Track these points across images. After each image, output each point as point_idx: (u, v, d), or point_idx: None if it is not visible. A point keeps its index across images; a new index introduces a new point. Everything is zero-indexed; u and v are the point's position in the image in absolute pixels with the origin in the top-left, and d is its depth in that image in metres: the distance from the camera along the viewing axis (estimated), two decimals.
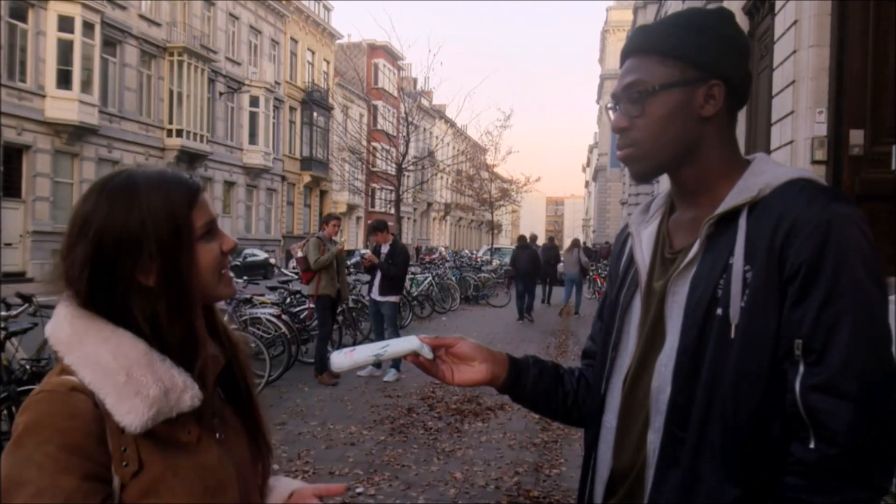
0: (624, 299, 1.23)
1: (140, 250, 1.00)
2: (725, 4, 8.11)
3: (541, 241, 21.26)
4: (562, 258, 17.67)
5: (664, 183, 1.22)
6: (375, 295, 8.55)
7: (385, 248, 8.58)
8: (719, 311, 1.04)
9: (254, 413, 1.21)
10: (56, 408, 0.95)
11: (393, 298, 8.56)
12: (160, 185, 1.04)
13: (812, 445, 0.97)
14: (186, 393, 1.01)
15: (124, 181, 1.04)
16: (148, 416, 0.96)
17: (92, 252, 1.00)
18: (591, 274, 19.96)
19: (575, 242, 17.34)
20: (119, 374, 0.97)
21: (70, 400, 0.96)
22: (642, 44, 1.15)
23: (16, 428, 0.96)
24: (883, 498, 0.99)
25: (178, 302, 1.03)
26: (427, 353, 1.23)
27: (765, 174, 1.09)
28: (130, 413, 0.95)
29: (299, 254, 8.28)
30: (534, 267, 15.48)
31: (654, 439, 1.10)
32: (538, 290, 16.95)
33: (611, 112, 1.19)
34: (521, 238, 16.39)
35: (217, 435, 1.10)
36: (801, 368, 0.98)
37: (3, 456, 0.94)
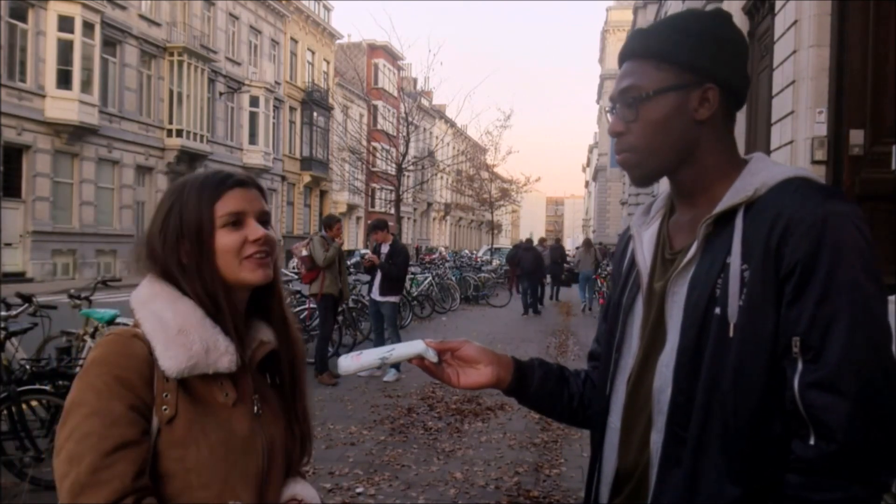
0: (626, 301, 1.24)
1: (177, 235, 1.21)
2: (725, 5, 8.12)
3: (538, 241, 22.06)
4: (577, 257, 18.44)
5: (664, 183, 1.22)
6: (375, 295, 8.54)
7: (385, 248, 8.58)
8: (718, 310, 1.04)
9: (297, 402, 1.33)
10: (118, 347, 1.15)
11: (393, 298, 8.56)
12: (200, 181, 1.24)
13: (812, 443, 0.97)
14: (226, 356, 1.17)
15: (180, 181, 1.27)
16: (186, 365, 1.13)
17: (149, 236, 1.24)
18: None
19: (588, 242, 18.39)
20: (173, 328, 1.15)
21: (130, 343, 1.15)
22: (638, 48, 1.16)
23: (86, 362, 1.15)
24: (884, 494, 0.99)
25: (207, 279, 1.20)
26: (432, 357, 1.24)
27: (761, 173, 1.10)
28: (172, 359, 1.13)
29: (304, 252, 8.28)
30: (537, 267, 16.73)
31: (656, 439, 1.11)
32: (548, 288, 18.52)
33: (609, 115, 1.21)
34: (528, 241, 18.36)
35: (255, 409, 1.23)
36: (800, 366, 0.98)
37: (74, 381, 1.14)
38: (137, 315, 1.19)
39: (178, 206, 1.22)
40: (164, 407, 1.13)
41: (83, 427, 1.07)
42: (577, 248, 19.65)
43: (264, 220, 1.26)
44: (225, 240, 1.21)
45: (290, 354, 1.33)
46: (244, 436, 1.19)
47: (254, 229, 1.22)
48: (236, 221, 1.22)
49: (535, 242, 20.49)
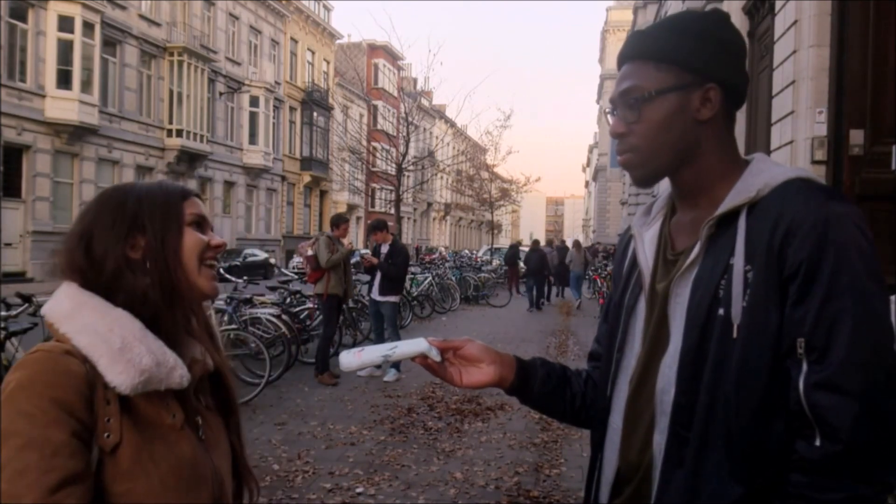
0: (628, 301, 1.24)
1: (132, 226, 1.10)
2: (724, 5, 8.12)
3: (546, 242, 23.16)
4: (569, 257, 19.62)
5: (665, 183, 1.22)
6: (375, 295, 8.55)
7: (385, 248, 8.59)
8: (721, 311, 1.05)
9: (237, 428, 1.25)
10: (50, 365, 0.98)
11: (393, 298, 8.56)
12: (157, 182, 1.19)
13: (817, 443, 0.97)
14: (176, 370, 1.05)
15: (121, 185, 1.18)
16: (139, 379, 1.00)
17: (86, 231, 1.11)
18: (590, 273, 21.45)
19: (578, 243, 19.84)
20: (114, 341, 1.01)
21: (63, 360, 0.99)
22: (638, 49, 1.16)
23: (7, 385, 0.98)
24: (889, 494, 1.00)
25: (163, 275, 1.09)
26: (435, 356, 1.23)
27: (763, 174, 1.10)
28: (122, 374, 0.99)
29: (309, 252, 8.30)
30: (542, 266, 18.19)
31: (659, 440, 1.11)
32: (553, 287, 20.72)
33: (609, 117, 1.20)
34: (535, 242, 20.05)
35: (199, 433, 1.12)
36: (804, 366, 0.99)
37: None
38: (63, 330, 1.03)
39: (135, 201, 1.12)
40: (106, 434, 0.98)
41: (16, 463, 0.91)
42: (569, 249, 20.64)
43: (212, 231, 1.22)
44: (192, 238, 1.13)
45: (228, 377, 1.24)
46: (193, 462, 1.07)
47: (213, 237, 1.17)
48: (199, 224, 1.16)
49: (543, 244, 21.42)
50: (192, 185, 26.13)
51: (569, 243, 24.85)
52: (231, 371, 1.26)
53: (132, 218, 1.10)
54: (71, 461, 0.93)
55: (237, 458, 1.23)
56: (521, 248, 25.34)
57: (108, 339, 1.01)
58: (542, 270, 18.31)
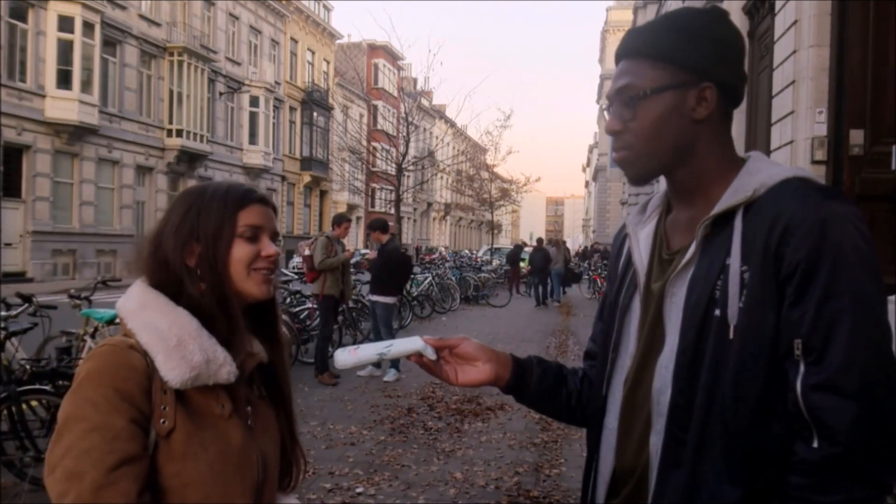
0: (623, 300, 1.23)
1: (190, 236, 1.20)
2: (724, 5, 8.11)
3: (549, 241, 23.76)
4: (552, 255, 20.44)
5: (664, 182, 1.21)
6: (369, 294, 8.61)
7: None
8: (717, 312, 1.04)
9: (289, 416, 1.35)
10: (115, 358, 1.11)
11: (385, 299, 8.53)
12: (225, 188, 1.25)
13: (815, 445, 0.97)
14: (225, 367, 1.16)
15: (201, 185, 1.27)
16: (189, 376, 1.12)
17: (157, 235, 1.22)
18: (589, 272, 22.32)
19: (558, 242, 21.42)
20: (171, 339, 1.13)
21: (127, 354, 1.12)
22: (634, 47, 1.15)
23: (78, 374, 1.11)
24: (888, 496, 0.99)
25: (214, 284, 1.19)
26: (430, 354, 1.23)
27: (760, 173, 1.09)
28: (175, 370, 1.11)
29: (306, 252, 8.29)
30: (546, 265, 19.19)
31: (655, 441, 1.10)
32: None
33: (606, 114, 1.20)
34: (539, 241, 21.65)
35: (248, 422, 1.23)
36: (802, 368, 0.98)
37: (66, 397, 1.10)
38: (130, 325, 1.16)
39: (196, 209, 1.22)
40: (162, 420, 1.10)
41: (82, 443, 1.04)
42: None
43: (275, 238, 1.28)
44: (241, 250, 1.22)
45: (283, 369, 1.35)
46: (240, 448, 1.17)
47: (267, 245, 1.25)
48: (253, 235, 1.23)
49: (546, 243, 21.65)
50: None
51: (570, 243, 25.60)
52: (286, 365, 1.37)
53: (190, 227, 1.20)
54: (129, 444, 1.06)
55: (286, 442, 1.34)
56: (525, 248, 25.60)
57: (166, 337, 1.13)
58: (546, 268, 19.02)
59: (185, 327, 1.15)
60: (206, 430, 1.14)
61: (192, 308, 1.17)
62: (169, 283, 1.19)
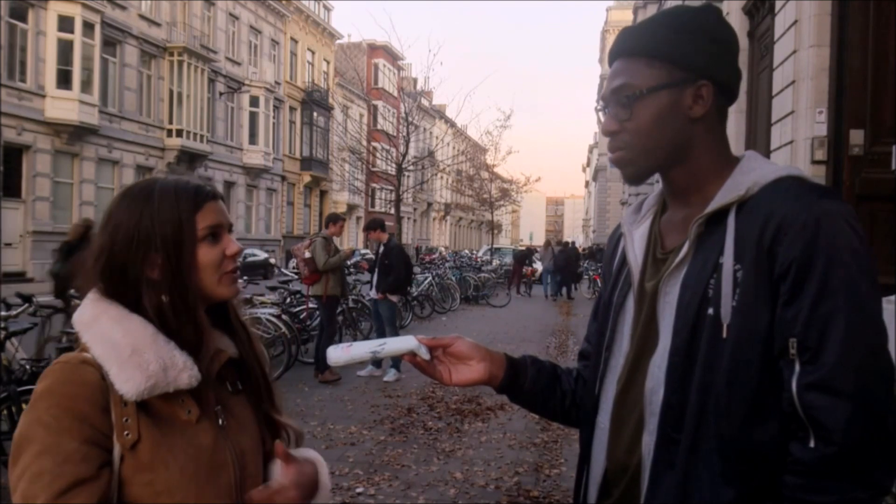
0: (617, 299, 1.23)
1: (148, 246, 1.13)
2: (724, 5, 8.11)
3: (558, 243, 25.37)
4: (540, 255, 21.81)
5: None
6: (372, 293, 8.62)
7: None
8: (710, 311, 1.03)
9: (272, 400, 1.30)
10: (66, 376, 1.08)
11: (390, 298, 8.52)
12: (172, 189, 1.17)
13: (811, 445, 0.96)
14: (185, 372, 1.11)
15: (144, 186, 1.19)
16: (145, 386, 1.07)
17: (108, 245, 1.15)
18: (589, 273, 22.89)
19: (548, 242, 22.74)
20: (125, 349, 1.09)
21: (79, 370, 1.08)
22: (629, 46, 1.15)
23: (34, 393, 1.09)
24: (884, 497, 0.99)
25: (179, 295, 1.14)
26: (424, 354, 1.23)
27: (753, 172, 1.09)
28: (129, 381, 1.07)
29: (306, 254, 8.27)
30: (568, 263, 21.00)
31: (648, 441, 1.10)
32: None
33: (601, 114, 1.19)
34: (565, 243, 23.40)
35: (219, 421, 1.18)
36: (797, 367, 0.98)
37: (21, 416, 1.13)
38: (84, 338, 1.12)
39: (149, 216, 1.14)
40: (125, 433, 1.07)
41: (34, 466, 1.02)
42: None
43: (230, 231, 1.23)
44: (207, 254, 1.16)
45: (255, 358, 1.29)
46: (211, 450, 1.14)
47: (229, 243, 1.20)
48: (215, 234, 1.18)
49: (541, 244, 23.18)
50: None
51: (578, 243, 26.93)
52: (256, 351, 1.31)
53: (146, 237, 1.14)
54: (80, 467, 1.02)
55: (270, 424, 1.29)
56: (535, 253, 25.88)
57: (119, 347, 1.09)
58: (569, 267, 20.85)
59: (139, 335, 1.10)
60: (175, 437, 1.11)
61: (150, 315, 1.13)
62: (126, 293, 1.14)
